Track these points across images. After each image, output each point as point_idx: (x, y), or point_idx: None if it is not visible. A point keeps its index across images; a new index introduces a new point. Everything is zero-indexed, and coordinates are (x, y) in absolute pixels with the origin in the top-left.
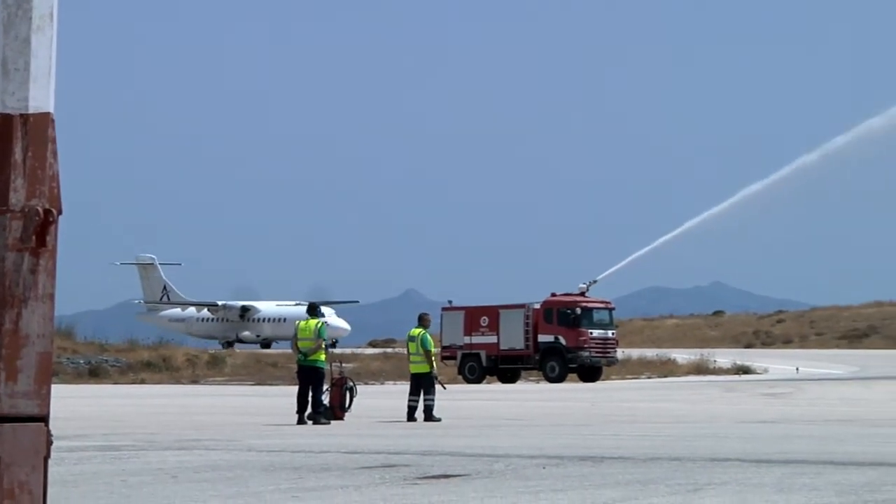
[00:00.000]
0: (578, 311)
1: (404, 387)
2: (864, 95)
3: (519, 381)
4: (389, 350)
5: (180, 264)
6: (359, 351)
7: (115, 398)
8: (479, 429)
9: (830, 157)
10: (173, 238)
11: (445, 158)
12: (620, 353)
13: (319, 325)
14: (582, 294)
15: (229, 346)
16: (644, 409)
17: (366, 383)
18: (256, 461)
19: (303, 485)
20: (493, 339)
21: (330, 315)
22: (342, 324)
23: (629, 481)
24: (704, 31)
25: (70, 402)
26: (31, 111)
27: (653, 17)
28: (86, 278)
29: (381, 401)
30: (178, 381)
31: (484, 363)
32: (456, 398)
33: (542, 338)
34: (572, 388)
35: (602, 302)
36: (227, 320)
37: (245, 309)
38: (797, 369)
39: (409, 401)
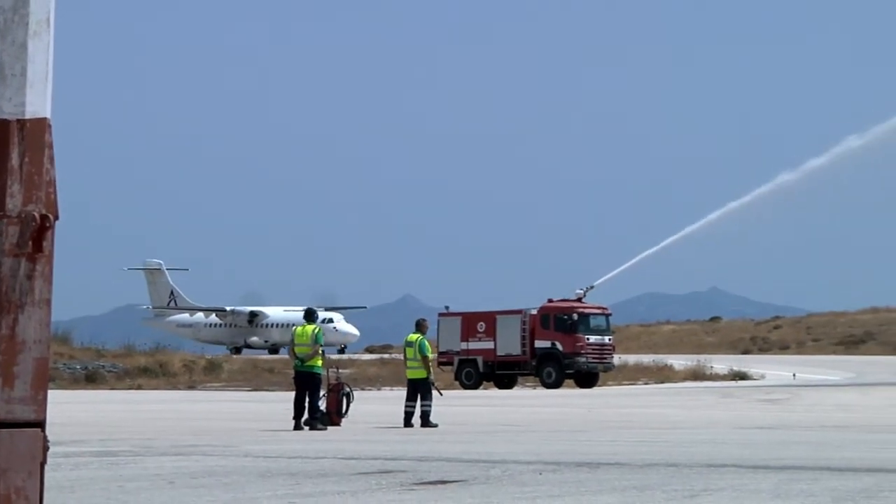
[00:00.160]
0: (575, 316)
1: (401, 392)
2: (869, 97)
3: (516, 387)
4: (386, 355)
5: (187, 269)
6: (355, 356)
7: (111, 404)
8: (475, 435)
9: (831, 164)
10: (172, 242)
11: (443, 162)
12: (617, 358)
13: (316, 330)
14: (579, 300)
15: (237, 351)
16: (641, 415)
17: (362, 389)
18: (253, 467)
19: (299, 490)
20: (489, 344)
21: (339, 320)
22: (351, 329)
23: (626, 487)
24: (704, 31)
25: (67, 408)
26: (27, 116)
27: (653, 17)
28: (83, 284)
29: (377, 406)
30: (174, 387)
31: (481, 369)
32: (453, 404)
33: (538, 344)
34: (569, 394)
35: (599, 308)
36: (236, 326)
37: (253, 314)
38: (794, 375)
39: (406, 406)
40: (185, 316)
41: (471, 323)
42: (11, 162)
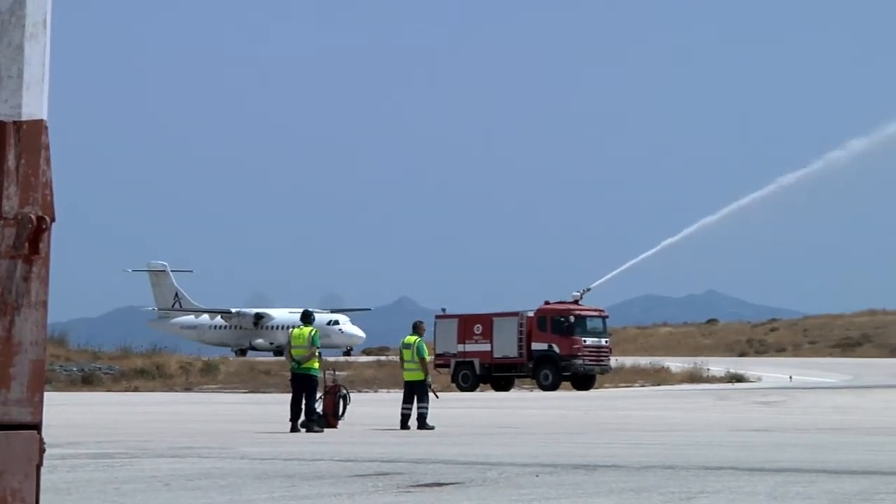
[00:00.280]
0: (572, 319)
1: (398, 395)
2: (869, 99)
3: (512, 389)
4: (383, 358)
5: (191, 271)
6: (352, 359)
7: (108, 406)
8: (472, 437)
9: (828, 167)
10: (168, 243)
11: (440, 164)
12: (614, 361)
13: (313, 332)
14: (575, 302)
15: (242, 353)
16: (637, 417)
17: (359, 391)
18: (249, 469)
19: (296, 493)
20: (486, 347)
21: (344, 322)
22: (357, 331)
23: (622, 489)
24: (704, 31)
25: (63, 410)
26: (24, 118)
27: (652, 17)
28: (79, 286)
29: (374, 409)
30: (171, 389)
31: (477, 371)
32: (449, 406)
33: (535, 346)
34: (566, 396)
35: (596, 310)
36: (241, 328)
37: (259, 316)
38: (790, 378)
39: (403, 409)
40: (189, 318)
41: (467, 325)
42: (8, 164)
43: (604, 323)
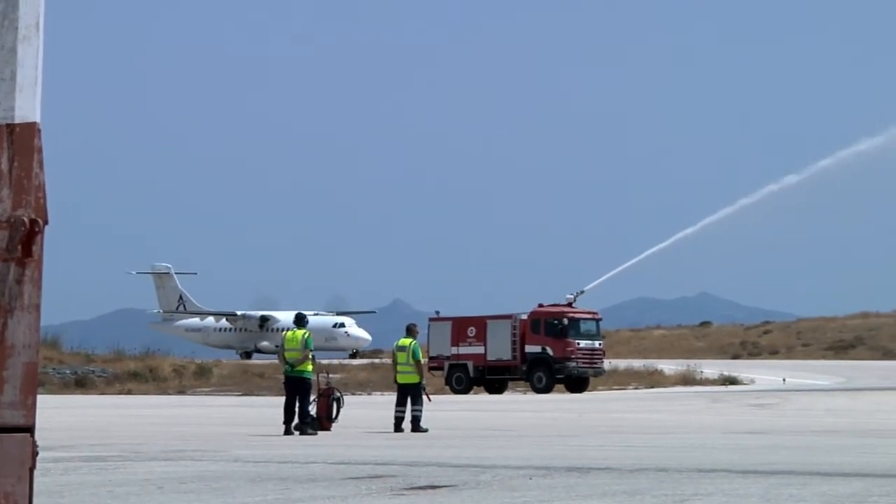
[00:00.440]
0: (565, 321)
1: (391, 397)
2: (868, 101)
3: (506, 392)
4: (377, 360)
5: (195, 273)
6: (346, 361)
7: (101, 408)
8: (466, 439)
9: (822, 171)
10: (162, 244)
11: (434, 166)
12: (607, 363)
13: (306, 335)
14: (569, 305)
15: (247, 356)
16: (631, 419)
17: (353, 394)
18: (243, 472)
19: (289, 495)
20: (480, 349)
21: (350, 325)
22: (363, 334)
23: (616, 492)
24: (704, 31)
25: (56, 413)
26: (17, 121)
27: (652, 17)
28: (73, 289)
29: (368, 411)
30: (164, 392)
31: (471, 374)
32: (443, 409)
33: (529, 348)
34: (559, 399)
35: (589, 312)
36: (246, 330)
37: (264, 319)
38: (784, 380)
39: (396, 411)
40: (194, 320)
41: (461, 328)
42: (0, 166)
43: (597, 325)
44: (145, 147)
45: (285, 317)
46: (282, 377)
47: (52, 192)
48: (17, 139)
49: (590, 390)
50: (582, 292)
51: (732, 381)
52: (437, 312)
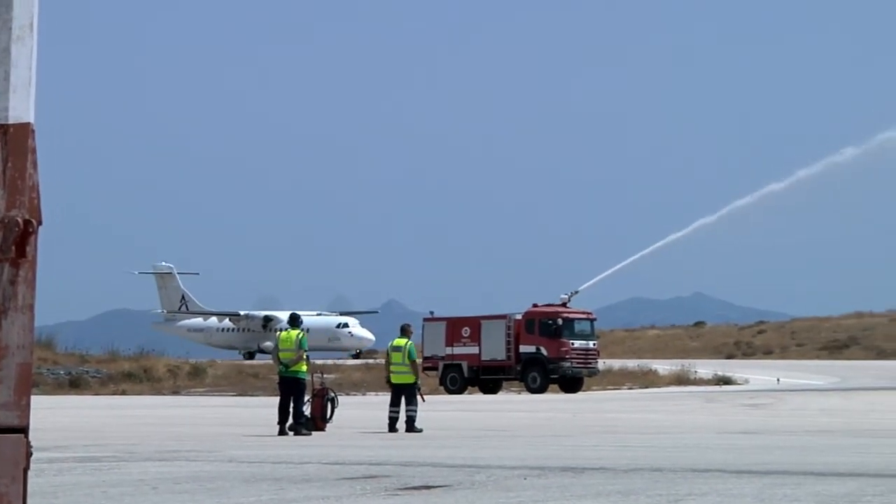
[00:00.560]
0: (560, 321)
1: (386, 397)
2: (867, 103)
3: (500, 392)
4: (371, 361)
5: (198, 274)
6: (340, 361)
7: (95, 409)
8: (460, 440)
9: (817, 173)
10: (157, 244)
11: (428, 166)
12: (602, 363)
13: (300, 336)
14: (563, 305)
15: (250, 356)
16: (625, 419)
17: (347, 394)
18: (237, 472)
19: (284, 496)
20: (474, 349)
21: (354, 325)
22: (367, 334)
23: (610, 492)
24: (704, 31)
25: (50, 413)
26: (10, 122)
27: (652, 17)
28: (67, 289)
29: (362, 411)
30: (159, 392)
31: (465, 374)
32: (437, 409)
33: (523, 348)
34: (554, 399)
35: (583, 313)
36: (250, 330)
37: (268, 319)
38: (778, 380)
39: (391, 412)
40: (197, 320)
41: (455, 328)
42: None
43: (591, 325)
44: (144, 147)
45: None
46: (276, 377)
47: (45, 192)
48: (10, 140)
49: (584, 390)
50: (576, 292)
51: (727, 381)
52: (432, 312)
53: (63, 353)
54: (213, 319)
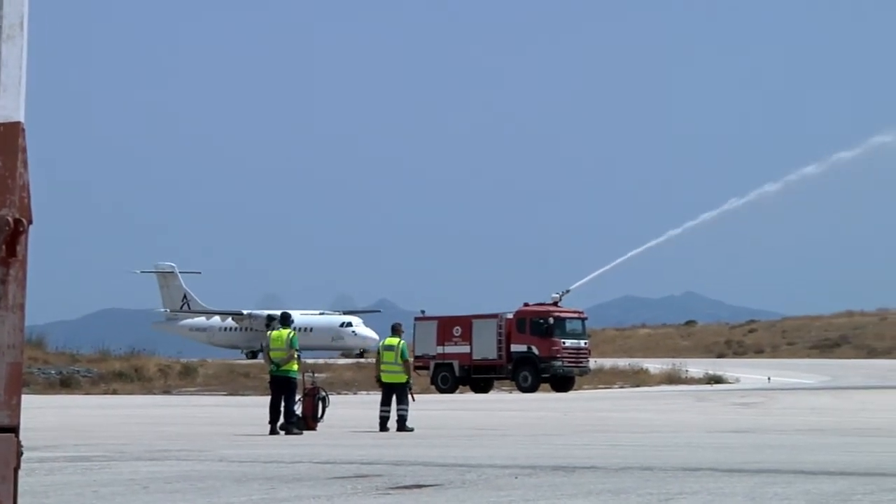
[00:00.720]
0: (551, 320)
1: (377, 397)
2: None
3: (492, 391)
4: (362, 360)
5: (199, 273)
6: (331, 361)
7: (86, 409)
8: (451, 439)
9: (808, 174)
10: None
11: (422, 166)
12: (593, 362)
13: (291, 335)
14: (555, 304)
15: (253, 356)
16: (616, 418)
17: (338, 393)
18: (228, 471)
19: (275, 495)
20: (465, 348)
21: (358, 325)
22: (370, 333)
23: (601, 491)
24: (704, 31)
25: (41, 413)
26: (1, 121)
27: (652, 17)
28: (57, 288)
29: (353, 411)
30: (150, 392)
31: (457, 373)
32: (428, 408)
33: (514, 347)
34: (545, 398)
35: (575, 312)
36: (252, 329)
37: (271, 318)
38: (769, 379)
39: (382, 411)
40: (200, 320)
41: (447, 327)
42: None
43: (583, 325)
44: (140, 145)
45: (292, 316)
46: (267, 377)
47: (35, 191)
48: (1, 139)
49: (575, 389)
50: (567, 291)
51: (718, 379)
52: (423, 312)
53: (54, 353)
54: (216, 319)
